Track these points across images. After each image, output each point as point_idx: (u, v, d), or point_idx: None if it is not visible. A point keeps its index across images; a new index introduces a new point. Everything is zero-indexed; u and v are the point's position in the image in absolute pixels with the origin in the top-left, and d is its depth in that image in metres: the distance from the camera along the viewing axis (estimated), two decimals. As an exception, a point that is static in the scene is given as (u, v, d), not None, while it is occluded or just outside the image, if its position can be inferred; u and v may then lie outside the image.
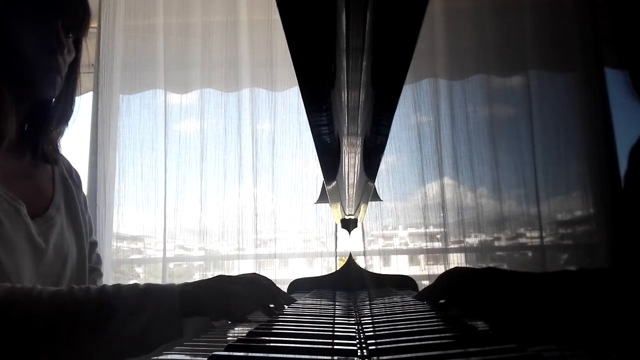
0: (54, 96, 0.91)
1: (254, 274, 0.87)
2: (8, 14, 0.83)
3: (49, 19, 0.86)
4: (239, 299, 0.75)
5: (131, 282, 0.73)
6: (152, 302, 0.69)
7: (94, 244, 1.04)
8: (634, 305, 0.27)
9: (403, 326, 0.57)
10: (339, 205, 1.42)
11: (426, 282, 1.41)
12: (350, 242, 1.59)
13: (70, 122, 0.97)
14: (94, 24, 2.02)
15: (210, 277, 0.82)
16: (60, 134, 0.98)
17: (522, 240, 0.50)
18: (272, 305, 0.78)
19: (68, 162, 1.02)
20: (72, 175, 1.01)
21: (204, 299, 0.73)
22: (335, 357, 0.43)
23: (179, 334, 0.70)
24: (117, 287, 0.71)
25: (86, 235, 0.99)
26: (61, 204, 0.94)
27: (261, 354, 0.45)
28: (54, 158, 0.96)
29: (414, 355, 0.41)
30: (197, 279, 0.80)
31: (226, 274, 0.82)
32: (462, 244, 0.81)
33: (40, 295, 0.67)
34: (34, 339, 0.65)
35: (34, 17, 0.84)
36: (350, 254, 1.51)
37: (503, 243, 0.59)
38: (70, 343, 0.65)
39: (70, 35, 0.90)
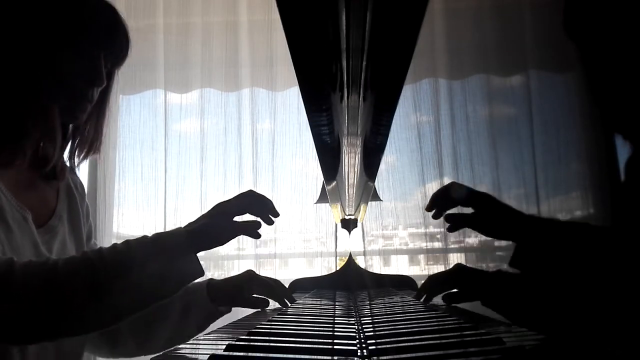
0: (81, 122, 0.93)
1: (249, 190, 0.89)
2: (58, 44, 0.85)
3: (94, 52, 0.88)
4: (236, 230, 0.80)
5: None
6: (163, 249, 0.73)
7: None
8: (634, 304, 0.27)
9: (403, 326, 0.57)
10: (339, 205, 1.42)
11: (426, 282, 1.41)
12: (350, 242, 1.60)
13: (100, 150, 1.00)
14: (94, 24, 2.01)
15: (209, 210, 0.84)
16: (84, 159, 0.99)
17: (522, 240, 0.50)
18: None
19: (72, 173, 1.03)
20: (76, 185, 1.02)
21: (209, 233, 0.77)
22: (335, 357, 0.43)
23: (198, 270, 0.75)
24: (127, 243, 0.73)
25: (85, 244, 1.00)
26: (64, 215, 0.95)
27: (261, 354, 0.45)
28: (62, 175, 0.96)
29: (414, 355, 0.41)
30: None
31: (224, 201, 0.84)
32: (462, 244, 0.81)
33: (56, 263, 0.69)
34: (56, 305, 0.67)
35: (81, 50, 0.87)
36: (350, 254, 1.51)
37: (503, 243, 0.59)
38: (92, 303, 0.68)
39: (107, 67, 0.92)
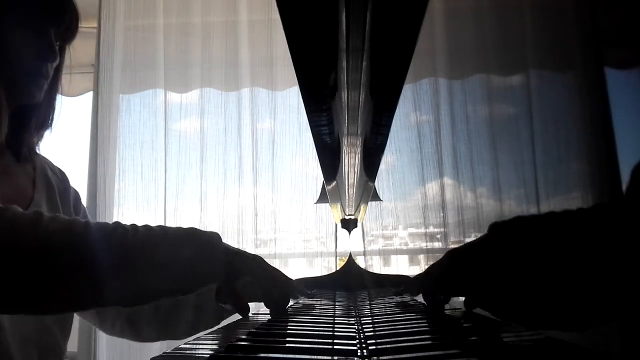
0: (39, 100, 0.93)
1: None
2: (6, 22, 0.85)
3: (44, 28, 0.88)
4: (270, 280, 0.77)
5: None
6: (199, 240, 0.70)
7: None
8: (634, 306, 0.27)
9: (403, 326, 0.57)
10: (339, 205, 1.42)
11: (426, 282, 1.41)
12: (350, 242, 1.59)
13: (53, 126, 0.98)
14: (93, 24, 2.02)
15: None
16: (42, 137, 0.98)
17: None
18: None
19: (50, 162, 1.02)
20: (55, 173, 1.01)
21: (243, 257, 0.74)
22: (335, 357, 0.43)
23: (219, 277, 0.70)
24: (162, 227, 0.71)
25: None
26: (42, 204, 0.93)
27: (261, 354, 0.45)
28: (31, 158, 0.96)
29: (413, 355, 0.41)
30: None
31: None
32: (462, 244, 0.81)
33: (88, 224, 0.64)
34: (80, 265, 0.62)
35: (30, 26, 0.87)
36: (350, 254, 1.51)
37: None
38: (116, 273, 0.64)
39: (58, 43, 0.92)
